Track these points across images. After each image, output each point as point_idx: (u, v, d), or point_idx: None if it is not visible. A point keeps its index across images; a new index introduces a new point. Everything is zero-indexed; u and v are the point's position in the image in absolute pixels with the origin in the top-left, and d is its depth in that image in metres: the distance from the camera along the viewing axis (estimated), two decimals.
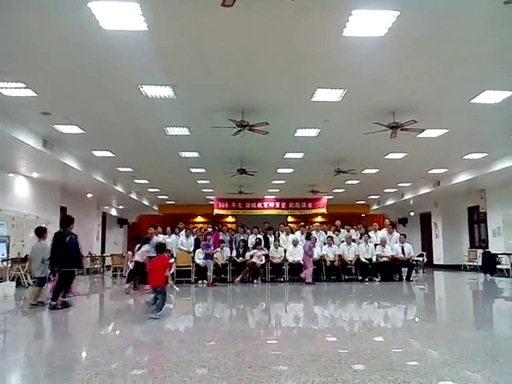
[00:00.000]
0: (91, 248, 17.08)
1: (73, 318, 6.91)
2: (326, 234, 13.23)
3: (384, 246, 12.30)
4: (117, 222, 22.93)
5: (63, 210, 15.55)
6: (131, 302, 8.50)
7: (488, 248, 14.82)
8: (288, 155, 12.24)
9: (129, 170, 14.04)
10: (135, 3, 4.69)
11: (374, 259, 12.11)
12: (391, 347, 4.35)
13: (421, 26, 5.28)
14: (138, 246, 10.07)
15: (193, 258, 11.75)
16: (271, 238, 12.80)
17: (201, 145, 11.02)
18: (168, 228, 12.40)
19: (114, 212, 22.40)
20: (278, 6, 4.75)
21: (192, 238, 12.36)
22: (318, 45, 5.73)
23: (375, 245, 12.48)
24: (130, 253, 11.64)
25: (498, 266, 13.91)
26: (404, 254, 12.22)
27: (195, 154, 12.03)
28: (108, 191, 16.72)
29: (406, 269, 12.21)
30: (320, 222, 18.06)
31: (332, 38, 5.52)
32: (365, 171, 14.36)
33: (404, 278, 11.99)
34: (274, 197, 20.49)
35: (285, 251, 12.31)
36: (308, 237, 11.88)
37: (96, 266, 17.21)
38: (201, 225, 19.87)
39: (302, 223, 14.62)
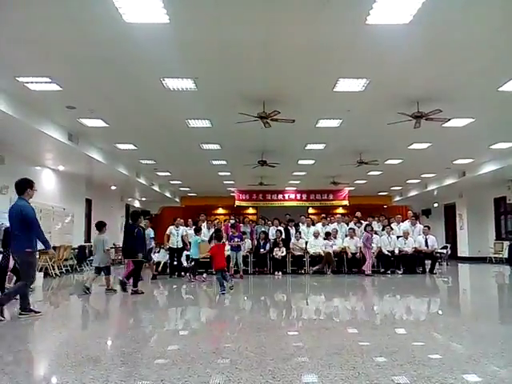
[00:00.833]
0: (116, 239, 17.39)
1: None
2: (348, 225, 13.12)
3: (407, 238, 12.13)
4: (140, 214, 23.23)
5: (88, 202, 15.89)
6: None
7: None
8: (309, 146, 12.15)
9: (151, 162, 14.22)
10: None
11: (397, 251, 11.97)
12: (414, 341, 4.30)
13: (447, 13, 5.13)
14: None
15: None
16: (292, 230, 12.78)
17: (222, 137, 11.04)
18: (189, 220, 12.51)
19: (137, 204, 22.76)
20: None
21: (213, 230, 12.42)
22: (340, 34, 5.64)
23: (398, 237, 12.32)
24: (153, 244, 11.83)
25: None
26: (427, 246, 12.03)
27: (216, 146, 12.07)
28: (131, 183, 16.98)
29: (430, 261, 12.02)
30: (341, 214, 17.93)
31: (355, 27, 5.42)
32: (388, 162, 14.14)
33: (427, 270, 11.82)
34: (294, 188, 20.42)
35: (306, 243, 12.29)
36: (366, 228, 11.71)
37: (120, 257, 17.53)
38: (222, 216, 20.01)
39: (323, 215, 14.51)
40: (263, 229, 12.92)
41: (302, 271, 12.01)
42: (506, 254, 14.63)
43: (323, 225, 13.20)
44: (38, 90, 7.42)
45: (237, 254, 11.03)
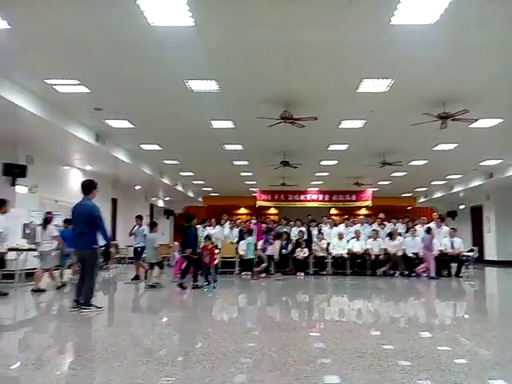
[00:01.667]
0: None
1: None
2: (371, 226, 12.97)
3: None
4: (164, 213, 23.59)
5: (114, 201, 16.19)
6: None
7: None
8: (332, 147, 12.08)
9: (175, 162, 14.40)
10: None
11: (421, 254, 11.75)
12: (440, 345, 4.24)
13: (473, 13, 5.03)
14: None
15: (237, 249, 11.91)
16: (314, 231, 12.72)
17: (244, 137, 11.10)
18: (213, 219, 12.62)
19: (161, 203, 23.07)
20: None
21: (236, 230, 12.52)
22: (364, 34, 5.60)
23: (422, 238, 12.09)
24: (176, 243, 11.97)
25: None
26: (453, 249, 11.77)
27: (239, 147, 12.14)
28: (155, 183, 17.24)
29: (456, 264, 11.76)
30: (364, 215, 17.74)
31: (379, 27, 5.38)
32: (412, 163, 13.93)
33: (453, 273, 11.57)
34: (317, 189, 20.33)
35: (327, 244, 12.21)
36: (428, 231, 11.51)
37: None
38: (244, 216, 20.08)
39: (346, 216, 14.40)
40: (285, 229, 12.90)
41: (324, 272, 11.94)
42: None
43: (346, 226, 13.09)
44: (67, 92, 7.62)
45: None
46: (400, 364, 3.49)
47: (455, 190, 18.44)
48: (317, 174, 16.72)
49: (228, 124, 9.75)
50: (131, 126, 9.72)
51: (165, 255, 15.73)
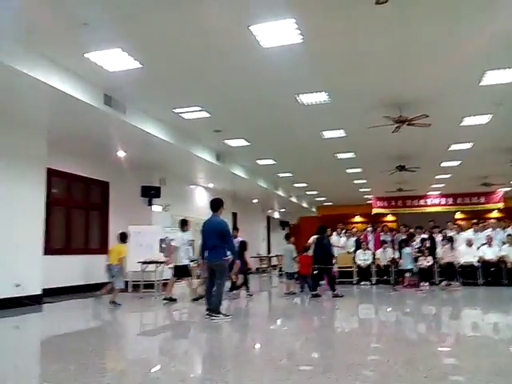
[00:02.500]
0: (258, 249, 18.42)
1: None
2: (505, 231, 11.67)
3: None
4: (279, 224, 24.22)
5: (234, 215, 17.16)
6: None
7: None
8: (453, 147, 11.28)
9: (288, 174, 14.79)
10: (291, 19, 5.01)
11: None
12: None
13: None
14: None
15: (354, 258, 11.72)
16: (438, 238, 11.89)
17: (356, 145, 10.97)
18: (329, 229, 12.60)
19: (276, 215, 23.74)
20: None
21: (352, 239, 12.34)
22: (487, 23, 5.20)
23: None
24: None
25: None
26: None
27: (351, 155, 12.02)
28: (270, 196, 17.86)
29: None
30: (496, 218, 16.02)
31: (506, 12, 4.95)
32: None
33: None
34: (438, 192, 18.99)
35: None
36: None
37: (263, 266, 18.47)
38: (360, 225, 19.62)
39: (475, 220, 13.16)
40: (404, 237, 12.29)
41: (451, 283, 11.07)
42: None
43: (475, 231, 11.99)
44: (191, 119, 8.43)
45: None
46: None
47: None
48: (437, 177, 15.67)
49: (339, 133, 9.77)
50: (247, 143, 10.32)
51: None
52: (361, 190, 18.44)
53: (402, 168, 12.51)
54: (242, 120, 8.84)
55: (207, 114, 8.20)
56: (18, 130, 7.54)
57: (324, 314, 7.42)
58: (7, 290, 7.20)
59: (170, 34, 5.34)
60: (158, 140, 8.75)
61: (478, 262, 10.86)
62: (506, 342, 4.98)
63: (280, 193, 17.45)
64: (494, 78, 6.78)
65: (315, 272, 8.99)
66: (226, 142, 10.22)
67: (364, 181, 16.36)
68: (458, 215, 21.26)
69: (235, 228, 11.38)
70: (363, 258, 11.53)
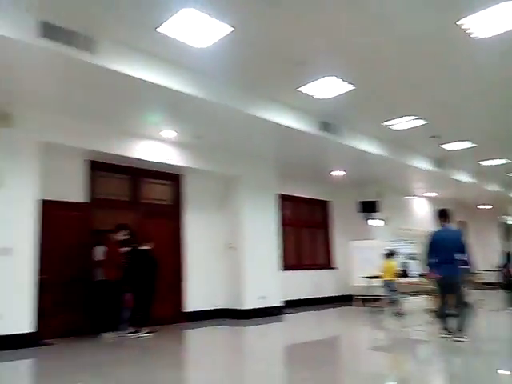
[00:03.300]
0: (493, 262, 16.17)
1: None
2: None
3: None
4: None
5: (462, 223, 15.64)
6: None
7: None
8: None
9: None
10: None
11: None
12: None
13: None
14: None
15: None
16: None
17: None
18: None
19: (510, 221, 20.46)
20: None
21: None
22: None
23: None
24: None
25: None
26: None
27: None
28: (502, 199, 15.69)
29: None
30: None
31: None
32: None
33: None
34: None
35: None
36: None
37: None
38: None
39: None
40: None
41: None
42: None
43: None
44: (401, 129, 8.25)
45: None
46: None
47: None
48: None
49: None
50: (473, 144, 9.45)
51: None
52: None
53: None
54: (465, 122, 8.17)
55: (423, 122, 7.87)
56: (256, 162, 9.09)
57: None
58: (254, 301, 8.57)
59: (377, 49, 5.38)
60: (370, 155, 8.92)
61: None
62: None
63: None
64: None
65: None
66: (443, 146, 9.56)
67: None
68: None
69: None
70: None
